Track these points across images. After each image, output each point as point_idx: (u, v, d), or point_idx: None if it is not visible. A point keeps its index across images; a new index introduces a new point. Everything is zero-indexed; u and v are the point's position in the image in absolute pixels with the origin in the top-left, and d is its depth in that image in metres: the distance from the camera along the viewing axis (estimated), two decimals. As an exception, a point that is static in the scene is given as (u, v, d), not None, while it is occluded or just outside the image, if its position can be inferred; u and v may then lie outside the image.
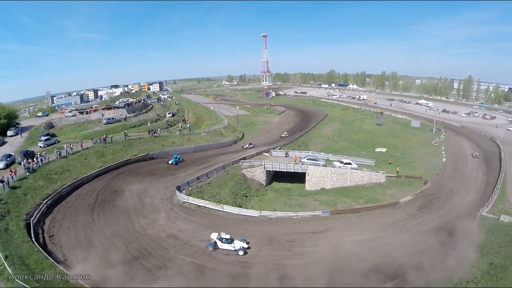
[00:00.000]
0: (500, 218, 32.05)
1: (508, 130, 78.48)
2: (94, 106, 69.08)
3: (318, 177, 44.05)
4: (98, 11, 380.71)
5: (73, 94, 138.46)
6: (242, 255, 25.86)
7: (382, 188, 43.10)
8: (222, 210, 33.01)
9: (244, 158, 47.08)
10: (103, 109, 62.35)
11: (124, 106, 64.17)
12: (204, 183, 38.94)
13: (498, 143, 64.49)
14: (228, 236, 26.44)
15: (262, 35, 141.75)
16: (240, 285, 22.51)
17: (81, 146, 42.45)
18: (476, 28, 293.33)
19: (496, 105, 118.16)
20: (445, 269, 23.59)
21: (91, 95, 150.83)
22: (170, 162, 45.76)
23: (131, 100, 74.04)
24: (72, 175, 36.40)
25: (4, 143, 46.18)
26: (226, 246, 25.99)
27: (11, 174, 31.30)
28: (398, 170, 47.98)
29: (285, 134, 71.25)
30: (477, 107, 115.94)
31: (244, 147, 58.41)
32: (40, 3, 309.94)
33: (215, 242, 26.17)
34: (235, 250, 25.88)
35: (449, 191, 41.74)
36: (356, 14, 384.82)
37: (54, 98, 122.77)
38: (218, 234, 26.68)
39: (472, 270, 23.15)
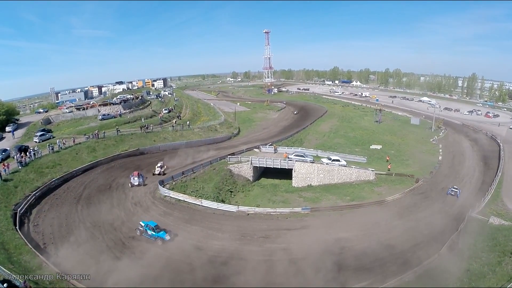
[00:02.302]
0: (489, 220, 31.24)
1: (511, 128, 76.86)
2: (91, 102, 70.48)
3: (304, 174, 44.24)
4: (104, 8, 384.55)
5: (77, 91, 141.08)
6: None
7: (371, 185, 42.93)
8: (200, 204, 33.62)
9: (233, 154, 47.54)
10: (100, 105, 63.69)
11: (121, 103, 65.32)
12: (189, 178, 39.65)
13: (499, 141, 63.33)
14: None
15: (264, 31, 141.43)
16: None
17: (73, 141, 43.72)
18: (483, 26, 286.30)
19: (500, 103, 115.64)
20: (417, 275, 22.95)
21: (95, 92, 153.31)
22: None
23: (128, 96, 75.23)
24: (63, 169, 37.65)
25: (2, 138, 47.92)
26: None
27: (3, 168, 32.62)
28: (389, 167, 47.76)
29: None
30: (481, 105, 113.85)
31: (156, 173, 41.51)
32: (47, 2, 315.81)
33: None
34: None
35: (441, 190, 40.88)
36: (362, 11, 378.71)
37: (59, 94, 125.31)
38: None
39: (445, 275, 22.64)
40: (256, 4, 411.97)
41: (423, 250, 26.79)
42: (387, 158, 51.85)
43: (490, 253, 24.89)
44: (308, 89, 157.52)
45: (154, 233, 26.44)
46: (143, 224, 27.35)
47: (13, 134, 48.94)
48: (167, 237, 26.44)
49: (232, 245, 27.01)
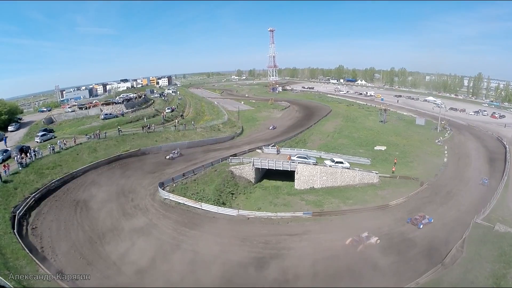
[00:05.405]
0: (495, 227, 30.11)
1: None
2: (94, 101, 70.36)
3: (307, 176, 43.60)
4: (108, 5, 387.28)
5: (82, 88, 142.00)
6: None
7: (374, 189, 42.10)
8: (200, 208, 33.22)
9: (235, 155, 47.08)
10: (102, 104, 63.58)
11: (123, 102, 65.11)
12: (190, 179, 39.25)
13: (505, 143, 62.07)
14: None
15: (269, 29, 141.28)
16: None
17: (74, 141, 43.53)
18: (490, 24, 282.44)
19: (506, 104, 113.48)
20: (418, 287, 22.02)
21: (100, 89, 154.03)
22: None
23: (131, 95, 75.04)
24: (63, 170, 37.30)
25: (4, 138, 47.73)
26: None
27: (4, 169, 32.40)
28: (393, 170, 46.98)
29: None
30: (487, 105, 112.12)
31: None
32: (51, 2, 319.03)
33: None
34: None
35: (446, 194, 39.97)
36: (367, 9, 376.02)
37: (64, 92, 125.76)
38: None
39: None
40: (260, 2, 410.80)
41: (426, 258, 26.02)
42: (395, 161, 50.88)
43: (495, 264, 24.01)
44: (313, 88, 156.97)
45: None
46: None
47: (5, 142, 44.21)
48: None
49: (231, 251, 26.63)
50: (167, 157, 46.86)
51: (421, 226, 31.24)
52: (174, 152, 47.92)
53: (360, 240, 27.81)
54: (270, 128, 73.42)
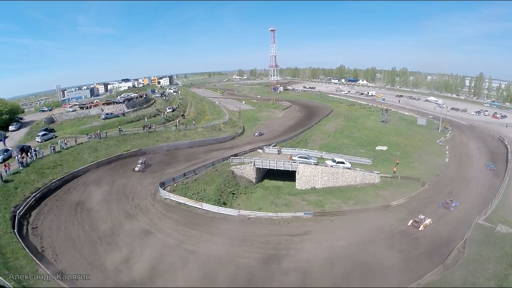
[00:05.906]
0: (496, 228, 30.11)
1: None
2: (95, 101, 70.27)
3: (308, 176, 43.48)
4: (109, 5, 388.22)
5: (83, 88, 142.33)
6: None
7: (376, 189, 41.93)
8: (201, 208, 33.15)
9: (236, 155, 46.97)
10: (103, 104, 63.55)
11: (124, 101, 65.09)
12: (190, 179, 39.19)
13: (506, 143, 61.78)
14: None
15: (270, 29, 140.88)
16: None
17: (75, 141, 43.50)
18: (490, 24, 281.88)
19: (508, 104, 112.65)
20: None
21: (101, 89, 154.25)
22: None
23: (132, 95, 75.04)
24: (64, 170, 37.34)
25: (6, 137, 47.76)
26: None
27: (4, 168, 32.38)
28: (394, 170, 46.81)
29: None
30: (488, 105, 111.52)
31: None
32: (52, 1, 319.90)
33: None
34: None
35: (447, 194, 39.66)
36: (368, 10, 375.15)
37: (65, 91, 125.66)
38: None
39: None
40: (261, 2, 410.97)
41: (429, 259, 25.96)
42: (397, 161, 50.67)
43: (497, 265, 23.95)
44: (314, 88, 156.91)
45: None
46: None
47: (4, 142, 43.75)
48: None
49: (231, 251, 26.57)
50: (136, 169, 41.29)
51: (452, 209, 35.17)
52: (141, 163, 41.83)
53: (419, 221, 31.46)
54: (256, 134, 66.32)
